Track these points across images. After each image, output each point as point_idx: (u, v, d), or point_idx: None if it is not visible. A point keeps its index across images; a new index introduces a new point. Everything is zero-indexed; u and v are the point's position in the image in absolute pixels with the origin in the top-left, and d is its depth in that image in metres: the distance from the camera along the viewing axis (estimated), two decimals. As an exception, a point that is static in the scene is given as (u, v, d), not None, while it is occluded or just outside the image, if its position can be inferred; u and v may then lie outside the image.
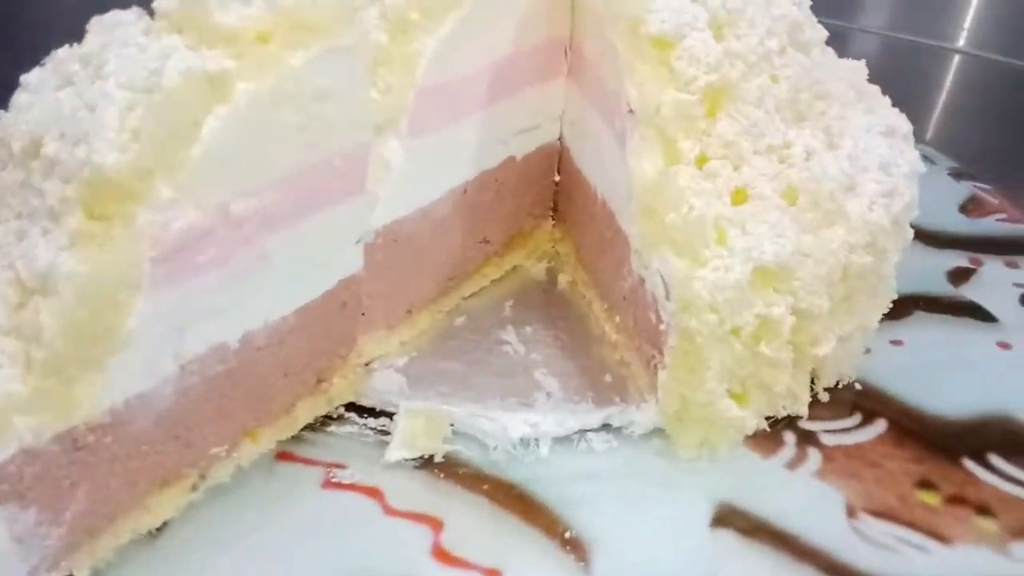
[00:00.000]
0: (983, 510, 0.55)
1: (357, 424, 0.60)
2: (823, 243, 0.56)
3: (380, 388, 0.62)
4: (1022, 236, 0.83)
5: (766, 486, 0.57)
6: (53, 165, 0.41)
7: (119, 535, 0.49)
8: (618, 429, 0.61)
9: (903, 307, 0.69)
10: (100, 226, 0.40)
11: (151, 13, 0.45)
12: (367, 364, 0.64)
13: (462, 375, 0.64)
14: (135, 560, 0.50)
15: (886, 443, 0.60)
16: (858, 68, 0.71)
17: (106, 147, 0.39)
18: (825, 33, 0.68)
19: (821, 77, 0.65)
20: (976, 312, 0.73)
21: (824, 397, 0.63)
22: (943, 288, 0.76)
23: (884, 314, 0.64)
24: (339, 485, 0.56)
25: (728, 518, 0.54)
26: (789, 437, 0.60)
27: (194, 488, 0.53)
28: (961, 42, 1.32)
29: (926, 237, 0.78)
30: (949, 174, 0.92)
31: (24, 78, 0.46)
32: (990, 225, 0.84)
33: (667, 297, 0.55)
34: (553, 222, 0.79)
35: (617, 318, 0.66)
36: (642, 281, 0.60)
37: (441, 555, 0.51)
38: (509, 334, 0.68)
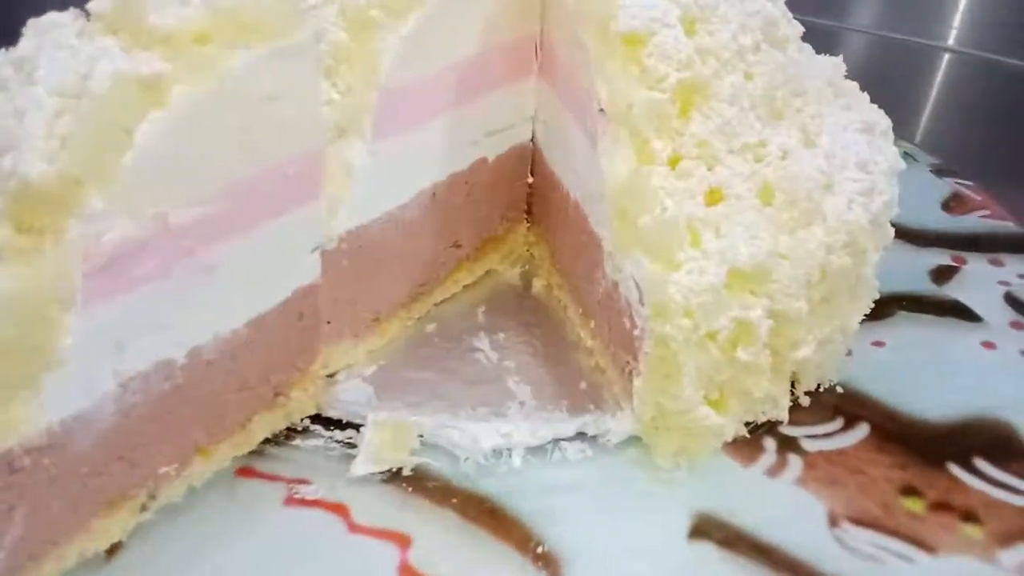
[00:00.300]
0: (969, 517, 0.54)
1: (322, 437, 0.58)
2: (800, 244, 0.55)
3: (347, 399, 0.60)
4: (1006, 233, 0.81)
5: (746, 495, 0.55)
6: (-20, 176, 0.38)
7: (64, 559, 0.47)
8: (593, 438, 0.59)
9: (885, 307, 0.68)
10: (29, 240, 0.38)
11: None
12: (332, 375, 0.62)
13: (432, 384, 0.62)
14: (87, 584, 0.48)
15: (869, 448, 0.58)
16: (836, 64, 0.69)
17: (33, 157, 0.37)
18: (801, 29, 0.66)
19: (797, 74, 0.63)
20: (960, 311, 0.71)
21: (805, 401, 0.62)
22: (926, 287, 0.74)
23: (866, 314, 0.63)
24: (303, 502, 0.54)
25: (707, 529, 0.53)
26: (769, 443, 0.59)
27: (143, 509, 0.50)
28: (950, 41, 1.32)
29: (908, 235, 0.77)
30: (931, 171, 0.91)
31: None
32: (973, 222, 0.83)
33: (641, 302, 0.54)
34: (527, 225, 0.77)
35: (592, 323, 0.65)
36: (616, 285, 0.58)
37: (408, 573, 0.49)
38: (482, 341, 0.66)
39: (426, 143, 0.63)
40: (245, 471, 0.56)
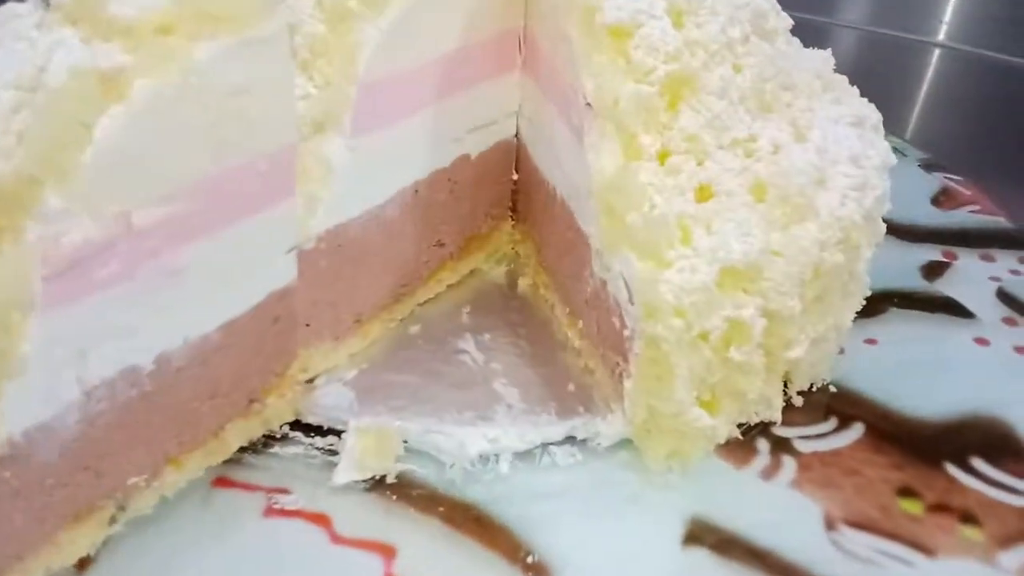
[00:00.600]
0: (968, 518, 0.53)
1: (303, 444, 0.56)
2: (793, 241, 0.53)
3: (327, 404, 0.58)
4: (997, 228, 0.81)
5: (740, 499, 0.54)
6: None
7: (31, 574, 0.44)
8: (583, 442, 0.57)
9: (877, 304, 0.67)
10: (-15, 242, 0.35)
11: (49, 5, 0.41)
12: (312, 379, 0.60)
13: (416, 388, 0.60)
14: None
15: (864, 448, 0.57)
16: (824, 58, 0.68)
17: (-12, 154, 0.35)
18: (790, 22, 0.65)
19: (786, 67, 0.62)
20: (952, 308, 0.70)
21: (798, 401, 0.60)
22: (917, 283, 0.73)
23: (857, 312, 0.62)
24: (282, 512, 0.52)
25: (701, 534, 0.51)
26: (763, 445, 0.57)
27: (112, 521, 0.48)
28: (940, 36, 1.32)
29: (898, 231, 0.76)
30: (919, 165, 0.90)
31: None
32: (963, 217, 0.82)
33: (631, 301, 0.52)
34: (512, 223, 0.76)
35: (580, 324, 0.63)
36: (604, 284, 0.56)
37: (393, 585, 0.48)
38: (467, 342, 0.64)
39: (407, 139, 0.61)
40: (222, 481, 0.54)
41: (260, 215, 0.49)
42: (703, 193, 0.54)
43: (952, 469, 0.56)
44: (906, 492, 0.54)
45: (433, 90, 0.61)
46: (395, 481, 0.54)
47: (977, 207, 0.84)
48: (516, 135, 0.71)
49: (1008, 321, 0.69)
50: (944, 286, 0.73)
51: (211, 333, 0.49)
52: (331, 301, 0.59)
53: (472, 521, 0.52)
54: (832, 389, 0.62)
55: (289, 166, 0.50)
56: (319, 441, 0.57)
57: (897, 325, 0.68)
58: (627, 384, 0.54)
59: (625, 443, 0.56)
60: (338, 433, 0.57)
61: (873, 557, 0.50)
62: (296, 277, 0.54)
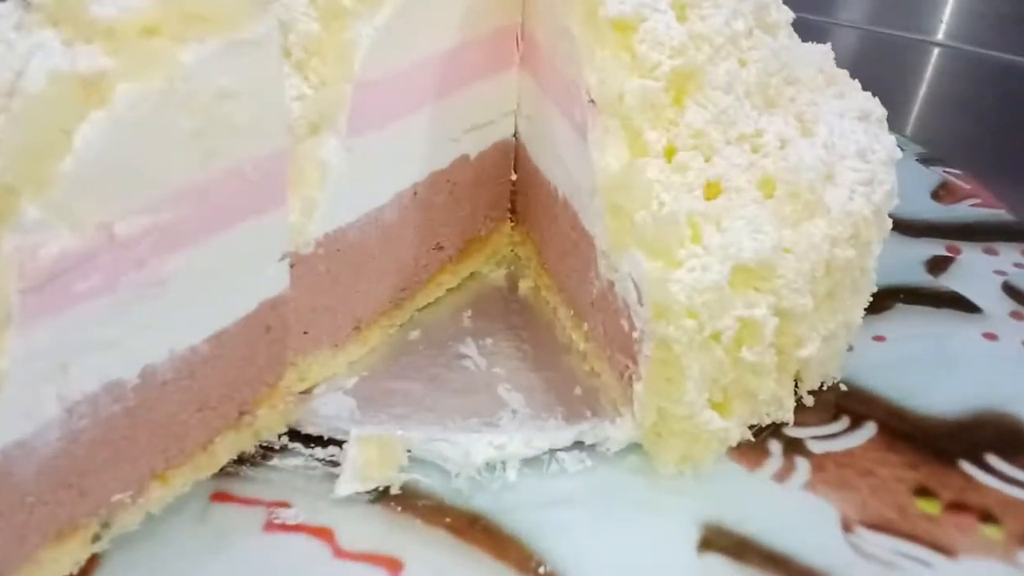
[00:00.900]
0: (986, 517, 0.51)
1: (303, 455, 0.55)
2: (804, 237, 0.52)
3: (327, 414, 0.57)
4: (999, 221, 0.80)
5: (754, 503, 0.52)
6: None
7: (13, 593, 0.42)
8: (592, 447, 0.56)
9: (883, 300, 0.67)
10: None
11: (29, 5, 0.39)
12: (310, 388, 0.58)
13: (418, 395, 0.58)
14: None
15: (878, 448, 0.56)
16: (824, 52, 0.67)
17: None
18: (791, 15, 0.64)
19: (789, 61, 0.61)
20: (959, 303, 0.69)
21: (809, 401, 0.59)
22: (922, 278, 0.73)
23: (865, 308, 0.61)
24: (283, 527, 0.50)
25: (716, 540, 0.50)
26: (775, 447, 0.56)
27: (96, 539, 0.46)
28: (940, 35, 1.32)
29: (900, 225, 0.74)
30: (918, 160, 0.90)
31: None
32: (964, 211, 0.82)
33: (640, 302, 0.51)
34: (512, 224, 0.74)
35: (585, 326, 0.61)
36: (611, 285, 0.55)
37: (401, 600, 0.46)
38: (469, 347, 0.63)
39: (405, 140, 0.59)
40: (220, 495, 0.52)
41: (249, 223, 0.47)
42: (711, 190, 0.52)
43: (967, 467, 0.55)
44: (923, 491, 0.53)
45: (430, 89, 0.60)
46: (399, 492, 0.52)
47: (978, 200, 0.83)
48: (515, 134, 0.70)
49: (1016, 315, 0.68)
50: (949, 281, 0.72)
51: (199, 345, 0.47)
52: (330, 307, 0.58)
53: (480, 531, 0.50)
54: (843, 387, 0.61)
55: (280, 172, 0.48)
56: (319, 452, 0.55)
57: (904, 321, 0.67)
58: (637, 387, 0.53)
59: (635, 447, 0.55)
60: (339, 443, 0.55)
61: (893, 559, 0.49)
62: (289, 285, 0.52)
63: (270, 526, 0.50)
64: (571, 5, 0.55)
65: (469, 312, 0.67)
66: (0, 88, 0.35)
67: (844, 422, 0.58)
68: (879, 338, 0.65)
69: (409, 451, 0.54)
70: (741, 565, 0.49)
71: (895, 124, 0.61)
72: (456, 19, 0.59)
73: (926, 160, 0.90)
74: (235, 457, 0.53)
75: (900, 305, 0.69)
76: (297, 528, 0.50)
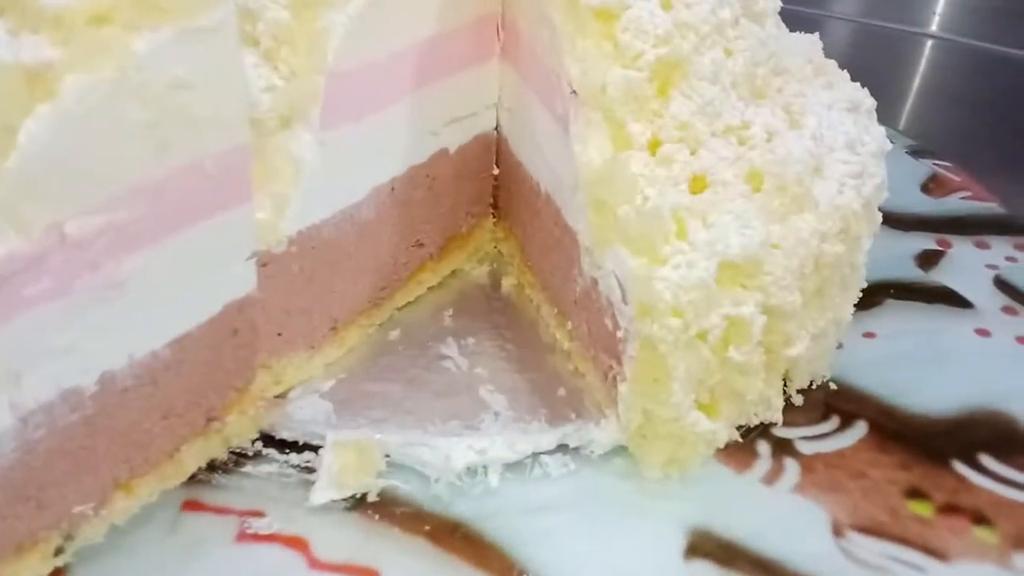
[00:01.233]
0: (980, 519, 0.50)
1: (277, 462, 0.53)
2: (793, 232, 0.51)
3: (302, 418, 0.55)
4: (991, 214, 0.79)
5: (742, 506, 0.51)
6: None
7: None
8: (576, 450, 0.54)
9: (872, 296, 0.65)
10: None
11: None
12: (285, 392, 0.56)
13: (398, 397, 0.57)
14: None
15: (869, 448, 0.55)
16: (813, 42, 0.66)
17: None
18: (778, 3, 0.63)
19: (777, 50, 0.59)
20: (950, 298, 0.68)
21: (798, 400, 0.58)
22: (912, 273, 0.71)
23: (855, 304, 0.59)
24: (256, 537, 0.48)
25: (703, 546, 0.49)
26: (763, 448, 0.55)
27: (59, 552, 0.44)
28: (933, 27, 1.31)
29: (889, 219, 0.73)
30: (907, 152, 0.88)
31: None
32: (955, 204, 0.80)
33: (624, 300, 0.49)
34: (494, 220, 0.72)
35: (569, 325, 0.60)
36: (595, 283, 0.53)
37: (378, 612, 0.44)
38: (450, 347, 0.61)
39: (381, 133, 0.57)
40: (191, 504, 0.50)
41: (211, 221, 0.45)
42: (697, 184, 0.51)
43: (960, 467, 0.54)
44: (915, 493, 0.52)
45: (407, 80, 0.58)
46: (377, 499, 0.51)
47: (968, 193, 0.82)
48: (496, 128, 0.68)
49: (1008, 310, 0.67)
50: (940, 275, 0.71)
51: (160, 350, 0.45)
52: (305, 308, 0.56)
53: (460, 539, 0.49)
54: (832, 386, 0.59)
55: (243, 167, 0.46)
56: (294, 458, 0.53)
57: (895, 317, 0.66)
58: (621, 388, 0.51)
59: (620, 450, 0.54)
60: (315, 449, 0.53)
61: (884, 564, 0.48)
62: (256, 286, 0.50)
63: (243, 536, 0.48)
64: (552, -7, 0.53)
65: (450, 311, 0.65)
66: None
67: (834, 422, 0.57)
68: (869, 335, 0.64)
69: (387, 456, 0.53)
70: (729, 571, 0.47)
71: (888, 117, 0.60)
72: (434, 7, 0.58)
73: (915, 152, 0.88)
74: (207, 464, 0.52)
75: (890, 301, 0.68)
76: (271, 538, 0.48)
